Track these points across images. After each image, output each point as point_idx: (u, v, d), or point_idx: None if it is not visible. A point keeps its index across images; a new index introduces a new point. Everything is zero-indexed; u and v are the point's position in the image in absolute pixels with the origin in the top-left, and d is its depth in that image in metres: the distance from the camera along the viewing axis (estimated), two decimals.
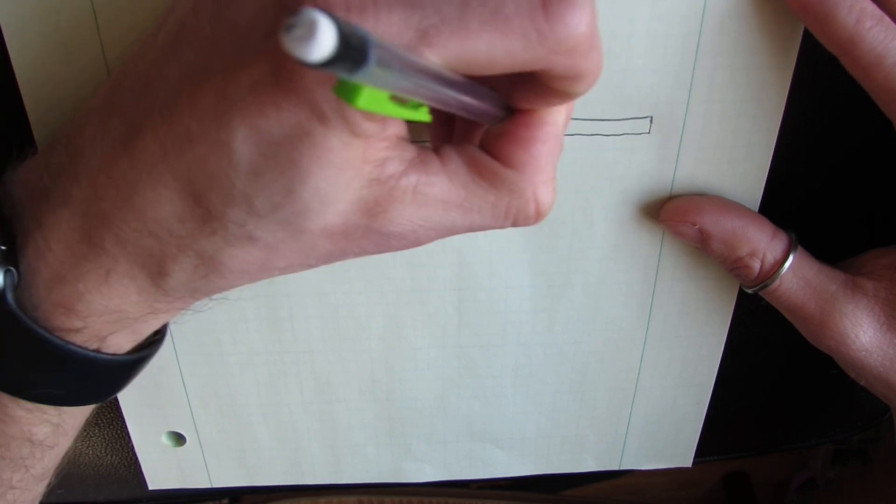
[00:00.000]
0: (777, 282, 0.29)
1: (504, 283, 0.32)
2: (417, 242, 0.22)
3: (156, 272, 0.22)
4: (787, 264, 0.29)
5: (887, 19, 0.25)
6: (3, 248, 0.21)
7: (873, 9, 0.25)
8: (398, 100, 0.17)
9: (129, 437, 0.35)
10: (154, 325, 0.24)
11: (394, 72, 0.14)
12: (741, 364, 0.36)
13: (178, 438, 0.36)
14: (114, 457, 0.37)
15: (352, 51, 0.13)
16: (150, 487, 0.37)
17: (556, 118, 0.21)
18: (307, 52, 0.12)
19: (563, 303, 0.33)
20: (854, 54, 0.25)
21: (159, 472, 0.37)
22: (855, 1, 0.25)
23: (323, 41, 0.12)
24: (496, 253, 0.31)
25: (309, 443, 0.37)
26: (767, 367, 0.37)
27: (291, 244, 0.21)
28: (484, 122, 0.22)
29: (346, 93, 0.15)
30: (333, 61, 0.12)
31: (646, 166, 0.30)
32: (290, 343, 0.33)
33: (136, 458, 0.36)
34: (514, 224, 0.22)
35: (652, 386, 0.36)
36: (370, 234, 0.21)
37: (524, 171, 0.21)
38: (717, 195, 0.30)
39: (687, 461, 0.39)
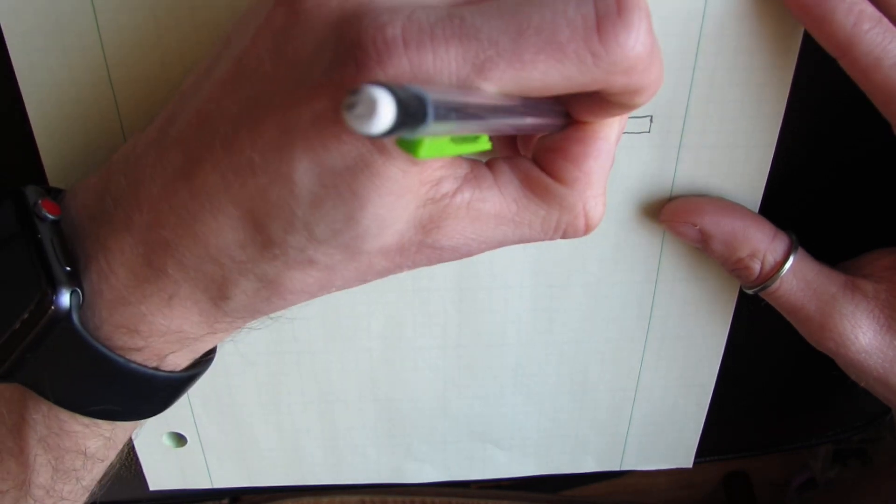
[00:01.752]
0: (777, 283, 0.29)
1: (504, 283, 0.32)
2: (469, 254, 0.22)
3: (217, 296, 0.22)
4: (788, 265, 0.29)
5: (886, 21, 0.25)
6: (68, 269, 0.22)
7: (872, 10, 0.25)
8: (457, 137, 0.17)
9: (130, 438, 0.35)
10: (211, 344, 0.25)
11: (452, 121, 0.15)
12: (741, 364, 0.36)
13: (179, 439, 0.36)
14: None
15: (411, 115, 0.13)
16: (151, 488, 0.38)
17: (608, 133, 0.21)
18: (369, 127, 0.13)
19: (564, 303, 0.33)
20: (852, 56, 0.25)
21: (160, 472, 0.37)
22: (853, 2, 0.25)
23: (383, 116, 0.13)
24: (496, 253, 0.31)
25: (309, 443, 0.37)
26: (767, 367, 0.37)
27: (349, 264, 0.21)
28: (543, 133, 0.22)
29: (408, 146, 0.16)
30: (394, 129, 0.13)
31: (646, 166, 0.30)
32: (290, 343, 0.33)
33: (137, 459, 0.36)
34: (564, 237, 0.23)
35: (653, 386, 0.36)
36: (424, 248, 0.21)
37: (576, 186, 0.21)
38: (717, 196, 0.30)
39: (688, 462, 0.39)
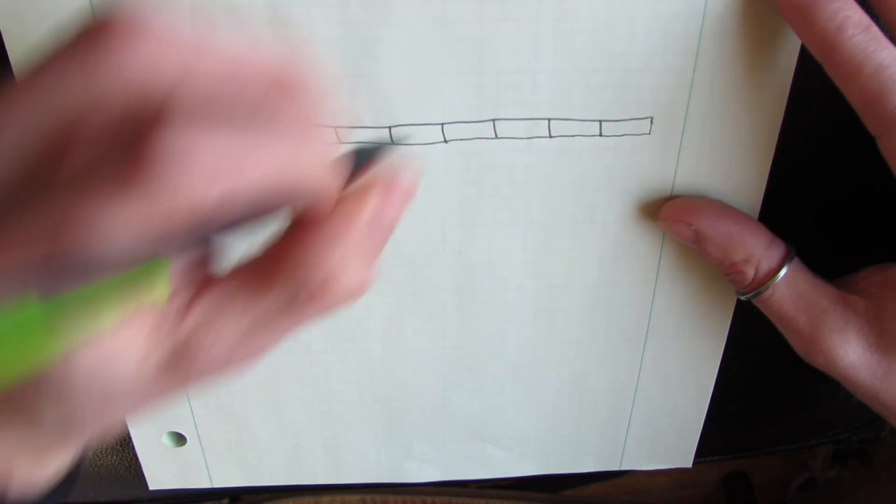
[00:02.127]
0: (770, 290, 0.29)
1: (504, 284, 0.32)
2: (250, 355, 0.20)
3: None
4: (781, 274, 0.29)
5: (874, 29, 0.24)
6: None
7: (859, 17, 0.24)
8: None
9: (130, 438, 0.35)
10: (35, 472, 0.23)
11: None
12: (741, 364, 0.36)
13: (179, 438, 0.36)
14: (114, 457, 0.37)
15: None
16: (151, 487, 0.38)
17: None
18: None
19: (564, 303, 0.33)
20: (833, 61, 0.25)
21: (160, 472, 0.37)
22: (840, 7, 0.24)
23: None
24: (496, 253, 0.31)
25: (309, 443, 0.37)
26: (767, 367, 0.37)
27: (105, 409, 0.20)
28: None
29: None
30: None
31: (646, 167, 0.29)
32: (289, 343, 0.33)
33: (137, 458, 0.36)
34: (322, 309, 0.20)
35: (652, 386, 0.36)
36: (184, 371, 0.20)
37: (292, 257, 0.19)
38: (717, 198, 0.30)
39: (687, 461, 0.39)
